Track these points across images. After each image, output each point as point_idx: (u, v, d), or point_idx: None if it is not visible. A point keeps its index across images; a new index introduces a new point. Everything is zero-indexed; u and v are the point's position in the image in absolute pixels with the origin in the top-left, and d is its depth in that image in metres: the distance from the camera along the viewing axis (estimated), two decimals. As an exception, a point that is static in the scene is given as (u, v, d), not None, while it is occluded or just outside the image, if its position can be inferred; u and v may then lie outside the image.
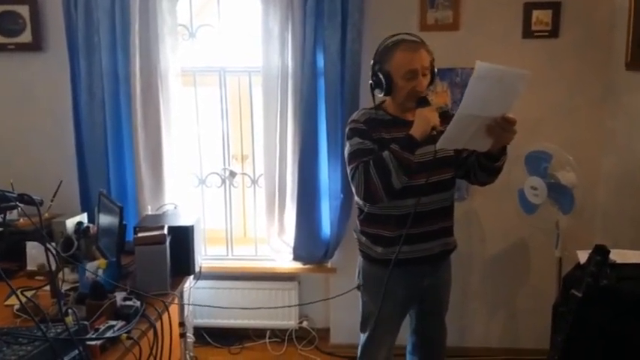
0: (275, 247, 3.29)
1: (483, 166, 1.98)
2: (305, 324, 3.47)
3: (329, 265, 3.33)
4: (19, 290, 1.52)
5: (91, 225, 2.71)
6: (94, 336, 1.74)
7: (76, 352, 1.59)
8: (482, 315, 3.31)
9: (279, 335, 3.48)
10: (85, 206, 3.16)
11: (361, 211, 2.13)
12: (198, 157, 3.37)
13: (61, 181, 2.80)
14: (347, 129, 2.04)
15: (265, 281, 3.40)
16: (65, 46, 3.09)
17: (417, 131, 1.87)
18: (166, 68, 3.06)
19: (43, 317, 1.65)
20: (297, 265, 3.33)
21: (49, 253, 1.45)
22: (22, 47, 3.21)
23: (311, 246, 3.22)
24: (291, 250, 3.24)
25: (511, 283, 3.27)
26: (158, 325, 2.03)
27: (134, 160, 3.11)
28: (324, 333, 3.47)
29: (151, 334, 1.98)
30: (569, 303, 1.77)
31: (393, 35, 2.02)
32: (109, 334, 1.78)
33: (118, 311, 1.95)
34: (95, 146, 3.14)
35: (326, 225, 3.20)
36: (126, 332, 1.83)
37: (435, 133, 1.86)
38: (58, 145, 3.29)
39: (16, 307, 1.99)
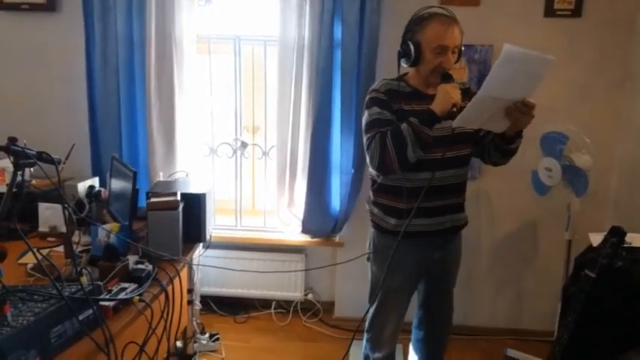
0: (284, 220, 3.29)
1: (498, 147, 1.98)
2: (310, 296, 3.49)
3: (336, 239, 3.34)
4: (35, 249, 1.52)
5: (102, 189, 2.72)
6: (106, 297, 1.75)
7: (90, 311, 1.61)
8: (488, 295, 3.32)
9: (284, 306, 3.51)
10: (96, 171, 3.16)
11: (374, 182, 2.13)
12: (210, 127, 3.35)
13: (74, 144, 2.79)
14: (367, 98, 2.02)
15: (272, 252, 3.42)
16: (80, 7, 3.05)
17: (437, 107, 1.85)
18: (181, 34, 3.02)
19: (58, 276, 1.66)
20: (305, 238, 3.34)
21: (67, 212, 1.44)
22: (35, 7, 3.17)
23: (320, 220, 3.22)
24: (299, 223, 3.24)
25: (518, 264, 3.27)
26: (169, 289, 2.04)
27: (146, 126, 3.10)
28: (329, 306, 3.50)
29: (162, 297, 2.00)
30: (581, 283, 1.77)
31: (430, 6, 1.98)
32: (121, 295, 1.80)
33: (130, 274, 1.96)
34: (108, 111, 3.13)
35: (335, 199, 3.20)
36: (138, 295, 1.84)
37: (455, 110, 1.84)
38: (71, 109, 3.28)
39: (30, 265, 2.01)
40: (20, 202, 1.44)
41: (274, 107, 3.13)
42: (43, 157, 1.47)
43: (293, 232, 3.32)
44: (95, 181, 2.79)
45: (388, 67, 2.93)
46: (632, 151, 2.95)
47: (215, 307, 3.46)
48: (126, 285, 1.87)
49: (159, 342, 1.94)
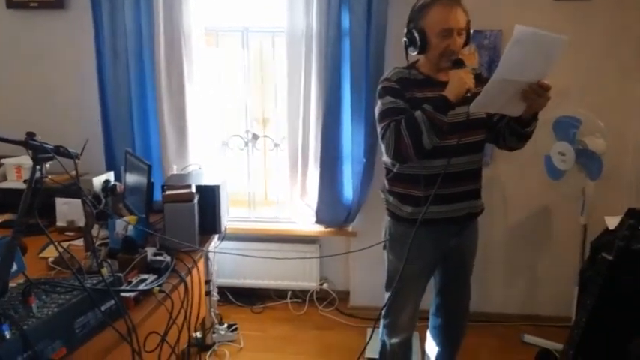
0: (297, 210, 3.31)
1: (514, 131, 1.96)
2: (325, 286, 3.51)
3: (350, 228, 3.35)
4: (57, 242, 1.55)
5: (117, 183, 2.75)
6: (127, 288, 1.78)
7: (112, 302, 1.63)
8: (503, 281, 3.31)
9: (299, 296, 3.54)
10: (110, 165, 3.20)
11: (389, 170, 2.13)
12: (221, 120, 3.37)
13: (88, 139, 2.82)
14: (379, 87, 2.02)
15: (286, 243, 3.44)
16: (88, 4, 3.07)
17: (451, 92, 1.85)
18: (189, 27, 3.03)
19: (79, 268, 1.69)
20: (319, 228, 3.35)
21: (87, 205, 1.47)
22: (44, 5, 3.20)
23: (333, 210, 3.24)
24: (313, 214, 3.26)
25: (533, 249, 3.26)
26: (188, 280, 2.07)
27: (158, 120, 3.12)
28: (344, 295, 3.51)
29: (181, 288, 2.03)
30: (598, 266, 1.77)
31: None
32: (142, 286, 1.83)
33: (148, 265, 1.99)
34: (120, 106, 3.16)
35: (348, 189, 3.21)
36: (158, 285, 1.87)
37: (469, 95, 1.84)
38: (83, 105, 3.30)
39: (51, 259, 2.05)
40: (40, 196, 1.46)
41: (284, 98, 3.13)
42: (60, 151, 1.50)
43: (306, 223, 3.33)
44: (110, 176, 2.83)
45: (397, 56, 2.91)
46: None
47: (232, 298, 3.49)
48: (145, 276, 1.90)
49: (180, 332, 1.98)
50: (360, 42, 2.91)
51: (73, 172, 1.54)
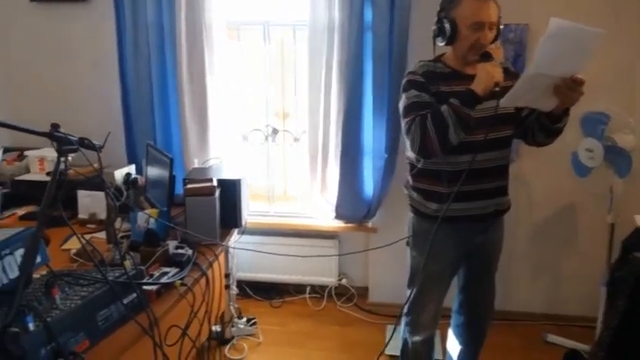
0: (316, 205, 3.28)
1: (543, 127, 1.91)
2: (344, 281, 3.49)
3: (370, 224, 3.32)
4: (80, 235, 1.54)
5: (139, 176, 2.75)
6: (149, 281, 1.78)
7: (134, 295, 1.63)
8: (526, 279, 3.25)
9: (318, 291, 3.52)
10: (132, 158, 3.21)
11: (413, 166, 2.09)
12: (241, 113, 3.35)
13: (110, 132, 2.82)
14: (403, 81, 1.98)
15: (306, 238, 3.42)
16: (110, -4, 3.08)
17: (478, 86, 1.80)
18: (210, 20, 3.02)
19: (102, 260, 1.69)
20: (338, 224, 3.32)
21: (110, 198, 1.46)
22: (66, -2, 3.21)
23: (353, 205, 3.21)
24: (332, 209, 3.23)
25: (557, 248, 3.19)
26: (209, 273, 2.06)
27: (179, 113, 3.12)
28: (363, 291, 3.49)
29: (202, 282, 2.02)
30: (630, 267, 1.71)
31: None
32: (164, 279, 1.82)
33: (170, 259, 1.99)
34: (141, 100, 3.16)
35: (369, 185, 3.17)
36: (180, 279, 1.86)
37: (497, 89, 1.79)
38: (104, 97, 3.32)
39: (73, 251, 2.05)
40: (64, 188, 1.45)
41: (305, 92, 3.10)
42: (85, 143, 1.49)
43: (326, 218, 3.31)
44: (132, 169, 2.83)
45: (420, 49, 2.85)
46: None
47: (251, 292, 3.49)
48: (167, 269, 1.90)
49: (200, 325, 1.97)
50: (382, 36, 2.86)
51: (96, 164, 1.53)
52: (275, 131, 3.34)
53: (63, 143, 1.40)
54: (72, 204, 2.60)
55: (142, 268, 1.76)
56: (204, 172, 2.63)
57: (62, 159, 1.41)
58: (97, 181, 2.48)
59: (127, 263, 1.65)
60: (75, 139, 1.43)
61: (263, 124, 3.37)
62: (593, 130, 2.56)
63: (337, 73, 2.97)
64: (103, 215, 2.51)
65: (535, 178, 3.11)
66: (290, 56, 3.30)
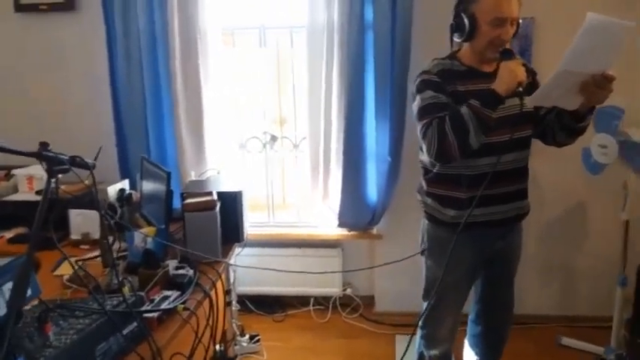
0: (318, 214, 3.17)
1: (565, 126, 1.81)
2: (349, 291, 3.38)
3: (374, 231, 3.22)
4: (73, 260, 1.42)
5: (133, 192, 2.62)
6: (149, 307, 1.65)
7: (135, 324, 1.50)
8: (538, 281, 3.16)
9: (322, 303, 3.40)
10: (125, 173, 3.08)
11: (428, 170, 1.97)
12: (238, 121, 3.24)
13: (101, 147, 2.70)
14: (417, 81, 1.87)
15: (308, 248, 3.31)
16: (99, 5, 2.97)
17: (501, 86, 1.70)
18: (205, 26, 2.90)
19: (98, 287, 1.56)
20: (341, 232, 3.22)
21: (106, 220, 1.33)
22: (54, 7, 3.11)
23: (356, 212, 3.10)
24: (335, 216, 3.12)
25: (569, 247, 3.12)
26: (212, 294, 1.94)
27: (174, 124, 3.00)
28: (369, 300, 3.39)
29: (205, 303, 1.89)
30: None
31: None
32: (165, 305, 1.70)
33: (171, 280, 1.85)
34: (134, 111, 3.04)
35: (372, 190, 3.07)
36: (182, 303, 1.74)
37: (521, 89, 1.69)
38: (95, 109, 3.20)
39: (66, 277, 1.92)
40: (56, 210, 1.33)
41: (304, 97, 3.00)
42: (76, 161, 1.36)
43: (329, 226, 3.19)
44: (125, 184, 2.70)
45: (424, 49, 2.79)
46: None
47: (252, 307, 3.36)
48: (168, 293, 1.76)
49: (206, 351, 1.84)
50: (384, 35, 2.76)
51: (89, 182, 1.41)
52: (274, 138, 3.23)
53: (53, 163, 1.27)
54: (63, 224, 2.46)
55: (142, 294, 1.63)
56: (202, 185, 2.51)
57: (52, 179, 1.29)
58: (88, 199, 2.36)
59: (126, 289, 1.52)
60: (66, 158, 1.31)
61: (260, 132, 3.25)
62: (607, 125, 2.46)
63: (338, 75, 2.86)
64: (96, 235, 2.38)
65: (545, 177, 3.01)
66: (287, 60, 3.19)
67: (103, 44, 3.01)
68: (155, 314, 1.62)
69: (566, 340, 2.94)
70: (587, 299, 3.12)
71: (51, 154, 1.28)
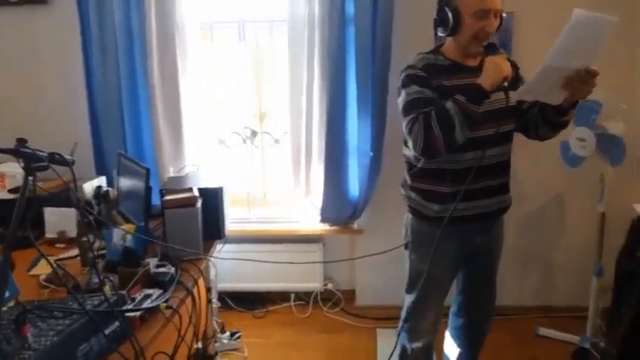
0: (300, 209, 3.16)
1: (548, 120, 1.83)
2: (330, 286, 3.38)
3: (355, 226, 3.21)
4: (52, 259, 1.37)
5: (110, 189, 2.56)
6: (131, 306, 1.61)
7: (117, 324, 1.46)
8: (516, 273, 3.20)
9: (303, 298, 3.39)
10: (101, 170, 3.01)
11: (412, 165, 1.97)
12: (217, 117, 3.20)
13: (77, 143, 2.63)
14: (402, 75, 1.86)
15: (289, 243, 3.29)
16: (73, -2, 2.88)
17: (486, 81, 1.70)
18: (183, 20, 2.84)
19: (77, 286, 1.52)
20: (322, 227, 3.21)
21: (87, 218, 1.29)
22: (26, 0, 3.00)
23: (338, 207, 3.09)
24: (318, 212, 3.11)
25: (546, 239, 3.16)
26: (194, 291, 1.91)
27: (152, 120, 2.93)
28: (349, 294, 3.39)
29: (187, 301, 1.86)
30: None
31: None
32: (147, 303, 1.66)
33: (152, 278, 1.82)
34: (109, 106, 2.97)
35: (354, 184, 3.07)
36: (164, 301, 1.70)
37: (506, 84, 1.70)
38: (69, 106, 3.12)
39: (43, 277, 1.86)
40: (33, 208, 1.29)
41: (286, 92, 2.96)
42: (55, 158, 1.32)
43: (310, 222, 3.18)
44: (102, 181, 2.64)
45: (405, 43, 2.78)
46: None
47: (232, 304, 3.33)
48: (150, 291, 1.73)
49: (189, 349, 1.81)
50: (365, 29, 2.74)
51: (68, 180, 1.37)
52: (254, 133, 3.19)
53: (32, 160, 1.22)
54: (38, 222, 2.39)
55: (123, 292, 1.60)
56: (181, 181, 2.46)
57: (31, 177, 1.24)
58: (63, 197, 2.30)
59: (107, 288, 1.49)
60: (45, 155, 1.26)
61: (240, 127, 3.21)
62: (586, 119, 2.49)
63: (319, 70, 2.84)
64: (73, 233, 2.32)
65: (523, 170, 3.03)
66: (267, 55, 3.15)
67: (77, 39, 2.92)
68: (137, 313, 1.59)
69: (544, 331, 3.00)
70: (564, 290, 3.18)
71: (29, 150, 1.23)
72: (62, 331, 1.33)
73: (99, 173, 2.93)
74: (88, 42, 2.92)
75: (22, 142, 1.23)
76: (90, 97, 2.99)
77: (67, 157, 1.34)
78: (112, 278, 1.62)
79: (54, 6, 3.02)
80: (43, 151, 1.27)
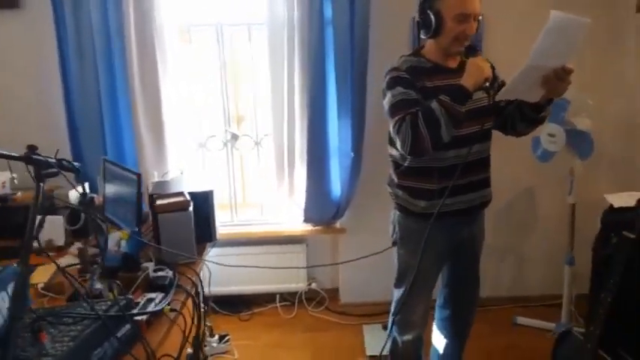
0: (283, 210, 3.19)
1: (526, 117, 1.93)
2: (314, 285, 3.41)
3: (338, 225, 3.27)
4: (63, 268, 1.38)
5: (95, 195, 2.54)
6: (137, 310, 1.62)
7: (127, 328, 1.48)
8: (492, 264, 3.29)
9: (288, 298, 3.42)
10: (81, 176, 2.95)
11: (398, 164, 2.04)
12: (198, 120, 3.19)
13: (58, 150, 2.59)
14: (387, 78, 1.92)
15: (272, 245, 3.31)
16: (48, 1, 2.81)
17: (469, 81, 1.78)
18: (162, 22, 2.83)
19: (87, 293, 1.53)
20: (305, 227, 3.24)
21: (97, 223, 1.31)
22: (-4, 4, 2.91)
23: (321, 207, 3.14)
24: (301, 212, 3.15)
25: (519, 231, 3.29)
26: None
27: (133, 124, 2.90)
28: (333, 293, 3.44)
29: (188, 303, 1.88)
30: (620, 245, 1.76)
31: None
32: (151, 307, 1.67)
33: (151, 283, 1.83)
34: (88, 111, 2.92)
35: (336, 185, 3.12)
36: (167, 304, 1.72)
37: (487, 84, 1.78)
38: (46, 111, 3.05)
39: (41, 285, 1.84)
40: (43, 215, 1.30)
41: (267, 94, 2.99)
42: (63, 164, 1.33)
43: (294, 222, 3.22)
44: (86, 187, 2.60)
45: (382, 44, 2.86)
46: (625, 110, 3.00)
47: (217, 307, 3.34)
48: (152, 295, 1.74)
49: (179, 354, 1.83)
50: (343, 30, 2.80)
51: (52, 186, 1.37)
52: (234, 137, 3.20)
53: (42, 167, 1.23)
54: (22, 231, 2.35)
55: (131, 297, 1.61)
56: (169, 186, 2.46)
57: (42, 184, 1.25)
58: (48, 204, 2.27)
59: (114, 293, 1.50)
60: (54, 161, 1.27)
61: (220, 130, 3.22)
62: (556, 116, 2.62)
63: (299, 71, 2.88)
64: (60, 242, 2.31)
65: (496, 166, 3.14)
66: (244, 57, 3.17)
67: (52, 43, 2.86)
68: (144, 317, 1.60)
69: (521, 320, 3.11)
70: (539, 279, 3.31)
71: (40, 157, 1.24)
72: (77, 337, 1.33)
73: (80, 180, 2.89)
74: (64, 45, 2.87)
75: (32, 148, 1.23)
76: (67, 101, 2.94)
77: (75, 163, 1.34)
78: (119, 283, 1.63)
79: (26, 9, 2.95)
80: (52, 158, 1.28)
